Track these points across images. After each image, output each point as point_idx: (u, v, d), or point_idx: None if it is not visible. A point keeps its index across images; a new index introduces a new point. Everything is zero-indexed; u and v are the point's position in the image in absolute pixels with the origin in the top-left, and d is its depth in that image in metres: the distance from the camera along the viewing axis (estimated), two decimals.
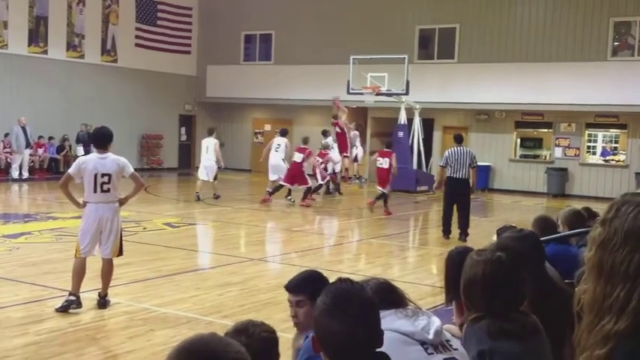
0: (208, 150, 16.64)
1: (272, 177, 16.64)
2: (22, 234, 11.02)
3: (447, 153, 12.23)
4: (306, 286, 3.28)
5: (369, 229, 14.41)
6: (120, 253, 7.11)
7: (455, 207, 12.16)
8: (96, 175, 6.84)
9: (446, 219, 12.24)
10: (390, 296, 2.56)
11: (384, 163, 14.96)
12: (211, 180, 16.63)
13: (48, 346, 5.88)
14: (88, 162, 6.96)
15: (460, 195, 12.01)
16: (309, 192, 16.43)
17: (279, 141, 16.89)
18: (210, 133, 17.14)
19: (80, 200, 7.02)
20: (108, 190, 6.91)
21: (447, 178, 12.26)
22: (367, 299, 2.07)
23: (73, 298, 6.74)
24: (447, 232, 12.21)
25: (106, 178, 6.88)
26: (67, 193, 6.98)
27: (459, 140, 12.45)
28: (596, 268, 1.42)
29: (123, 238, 7.24)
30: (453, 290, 3.55)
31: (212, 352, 1.51)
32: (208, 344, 1.53)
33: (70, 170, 7.09)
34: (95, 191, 6.88)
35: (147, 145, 25.10)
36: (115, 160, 6.98)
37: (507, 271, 2.82)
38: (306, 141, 16.95)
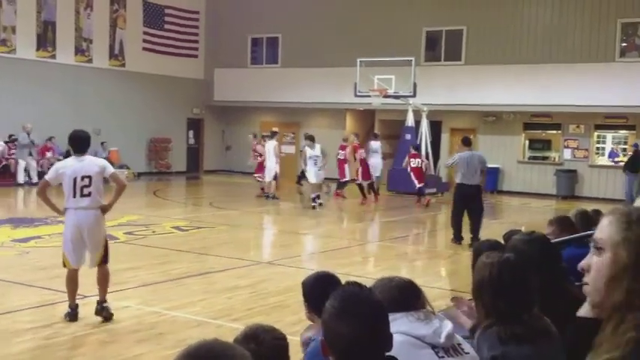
0: (270, 152, 17.53)
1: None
2: (31, 238, 11.05)
3: (457, 157, 11.74)
4: (305, 295, 3.28)
5: (377, 231, 14.40)
6: (105, 260, 6.82)
7: (466, 212, 11.72)
8: (75, 179, 6.52)
9: (457, 225, 11.79)
10: (412, 295, 2.56)
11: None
12: (269, 180, 17.57)
13: (57, 351, 5.89)
14: (66, 167, 6.64)
15: (472, 202, 11.56)
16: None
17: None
18: (272, 136, 18.00)
19: (62, 208, 6.74)
20: (89, 195, 6.57)
21: (457, 185, 11.84)
22: (375, 302, 2.07)
23: (68, 310, 6.66)
24: (458, 238, 11.77)
25: (86, 181, 6.55)
26: (46, 199, 6.68)
27: (467, 143, 11.96)
28: (632, 270, 1.41)
29: (109, 246, 6.94)
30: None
31: (216, 357, 1.50)
32: (213, 349, 1.53)
33: (47, 176, 6.79)
34: (75, 196, 6.55)
35: (155, 149, 25.14)
36: (94, 162, 6.78)
37: (515, 272, 2.82)
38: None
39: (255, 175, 18.75)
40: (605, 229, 1.53)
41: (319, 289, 3.04)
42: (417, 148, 18.51)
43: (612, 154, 21.54)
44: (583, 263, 1.54)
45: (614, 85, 19.57)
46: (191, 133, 27.02)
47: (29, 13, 21.50)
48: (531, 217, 16.66)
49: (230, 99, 26.19)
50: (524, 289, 2.80)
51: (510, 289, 2.76)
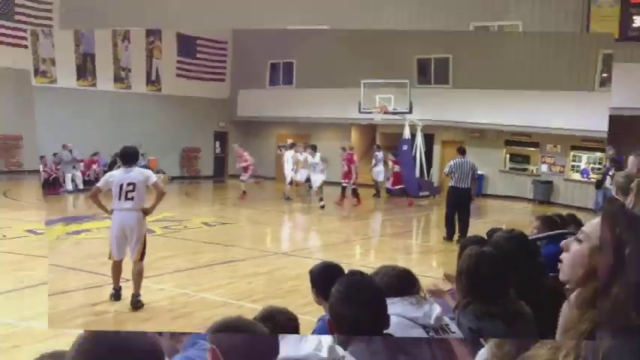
0: (289, 161, 17.71)
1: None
2: (82, 231, 11.14)
3: (452, 163, 11.75)
4: (313, 282, 3.33)
5: (377, 228, 14.41)
6: (141, 257, 6.78)
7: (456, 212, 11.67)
8: (122, 185, 6.65)
9: (449, 224, 11.74)
10: (409, 283, 2.61)
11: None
12: (287, 185, 17.82)
13: (105, 326, 5.96)
14: (115, 175, 6.82)
15: (462, 203, 11.56)
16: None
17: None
18: (290, 147, 18.28)
19: (110, 208, 6.84)
20: (132, 199, 6.66)
21: (450, 188, 11.79)
22: (376, 289, 2.11)
23: (113, 291, 6.81)
24: (450, 235, 11.71)
25: (130, 187, 6.65)
26: (97, 202, 6.76)
27: (462, 152, 11.95)
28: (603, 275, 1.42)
29: (147, 243, 6.88)
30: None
31: (241, 330, 1.57)
32: (237, 324, 1.61)
33: (99, 183, 6.91)
34: (120, 199, 6.67)
35: (187, 157, 25.32)
36: (141, 172, 6.87)
37: (490, 263, 2.85)
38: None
39: (242, 178, 18.37)
40: (592, 225, 1.54)
41: (325, 277, 3.07)
42: (396, 154, 18.77)
43: (585, 172, 20.80)
44: (564, 242, 1.57)
45: (593, 112, 18.48)
46: (217, 143, 27.16)
47: (67, 45, 20.86)
48: (512, 217, 16.60)
49: (251, 114, 26.29)
50: (498, 277, 2.84)
51: (485, 277, 2.81)
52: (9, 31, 20.24)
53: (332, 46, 24.27)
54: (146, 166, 21.88)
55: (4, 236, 10.45)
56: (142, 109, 23.21)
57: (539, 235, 4.59)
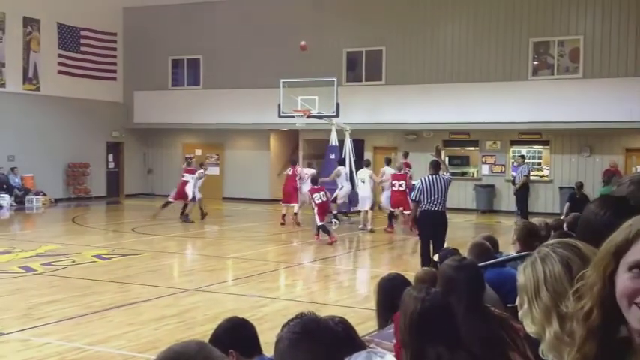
0: (365, 181, 17.47)
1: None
2: None
3: (419, 182, 11.45)
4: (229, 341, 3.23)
5: (305, 253, 14.36)
6: None
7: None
8: None
9: (426, 260, 10.69)
10: (349, 336, 2.52)
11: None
12: (368, 209, 17.18)
13: None
14: None
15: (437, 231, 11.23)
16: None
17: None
18: (367, 165, 18.13)
19: None
20: None
21: (422, 213, 11.43)
22: (335, 332, 2.08)
23: None
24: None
25: None
26: None
27: (435, 167, 11.54)
28: None
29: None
30: (383, 315, 3.68)
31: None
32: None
33: None
34: None
35: (73, 174, 24.33)
36: None
37: (438, 308, 2.79)
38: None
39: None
40: None
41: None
42: (316, 181, 16.26)
43: (513, 169, 21.66)
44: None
45: (528, 102, 20.32)
46: (111, 156, 26.35)
47: None
48: (454, 232, 16.95)
49: (151, 121, 25.70)
50: (448, 325, 2.78)
51: (434, 326, 2.74)
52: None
53: (245, 38, 24.21)
54: (20, 186, 20.95)
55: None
56: (18, 113, 22.29)
57: (487, 263, 4.65)
